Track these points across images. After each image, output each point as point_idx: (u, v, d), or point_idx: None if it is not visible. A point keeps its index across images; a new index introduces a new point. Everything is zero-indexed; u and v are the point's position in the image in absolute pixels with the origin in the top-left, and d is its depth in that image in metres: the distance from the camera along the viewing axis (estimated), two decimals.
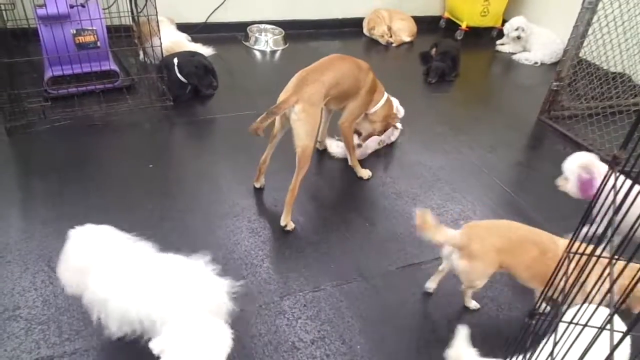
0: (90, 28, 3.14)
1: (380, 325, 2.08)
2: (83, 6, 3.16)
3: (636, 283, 0.86)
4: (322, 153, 3.20)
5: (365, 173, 2.97)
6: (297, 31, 4.92)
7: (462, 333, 1.58)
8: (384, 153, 3.23)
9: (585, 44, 3.54)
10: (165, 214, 2.51)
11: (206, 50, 4.11)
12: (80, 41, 3.15)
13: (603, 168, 2.41)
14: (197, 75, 3.46)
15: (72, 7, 3.09)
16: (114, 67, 3.41)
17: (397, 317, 2.14)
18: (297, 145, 2.41)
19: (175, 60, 3.46)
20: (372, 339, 2.01)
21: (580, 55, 3.62)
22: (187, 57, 3.50)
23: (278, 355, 1.90)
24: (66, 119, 3.11)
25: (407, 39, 5.18)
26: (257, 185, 2.76)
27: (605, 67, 3.80)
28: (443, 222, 2.72)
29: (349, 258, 2.40)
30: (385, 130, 3.07)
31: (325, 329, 2.03)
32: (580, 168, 2.42)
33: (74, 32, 3.11)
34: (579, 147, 3.48)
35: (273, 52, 4.63)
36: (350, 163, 2.97)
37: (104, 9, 3.45)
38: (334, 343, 1.97)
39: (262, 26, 4.81)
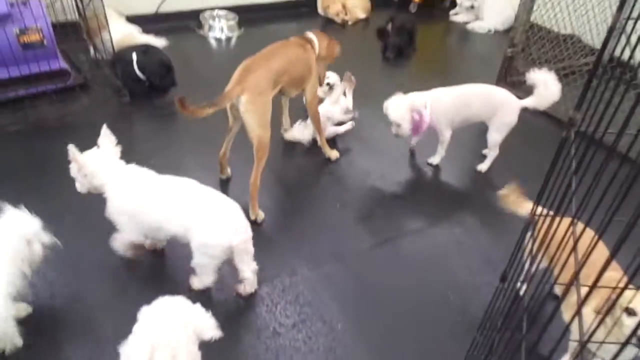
0: (35, 26, 3.01)
1: (358, 303, 2.11)
2: (25, 4, 3.02)
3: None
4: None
5: (333, 154, 2.97)
6: (251, 15, 4.84)
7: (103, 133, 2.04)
8: (349, 133, 3.23)
9: (535, 8, 3.60)
10: None
11: (159, 42, 3.98)
12: (25, 41, 3.01)
13: (421, 101, 2.74)
14: (160, 74, 3.37)
15: (12, 5, 2.95)
16: (64, 65, 3.28)
17: (374, 293, 2.17)
18: (251, 137, 2.37)
19: (134, 56, 3.34)
20: (351, 316, 2.04)
21: (532, 20, 3.68)
22: (147, 55, 3.38)
23: (260, 342, 1.91)
24: (17, 124, 2.99)
25: (362, 15, 5.16)
26: (224, 177, 2.73)
27: (555, 30, 3.89)
28: (412, 195, 2.78)
29: (323, 240, 2.42)
30: (332, 57, 2.93)
31: (305, 312, 2.04)
32: (410, 111, 2.72)
33: (18, 31, 2.97)
34: (535, 110, 3.57)
35: (228, 39, 4.54)
36: (319, 143, 2.96)
37: (47, 6, 3.30)
38: (315, 324, 1.99)
39: (215, 12, 4.70)
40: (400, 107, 2.73)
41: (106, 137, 2.05)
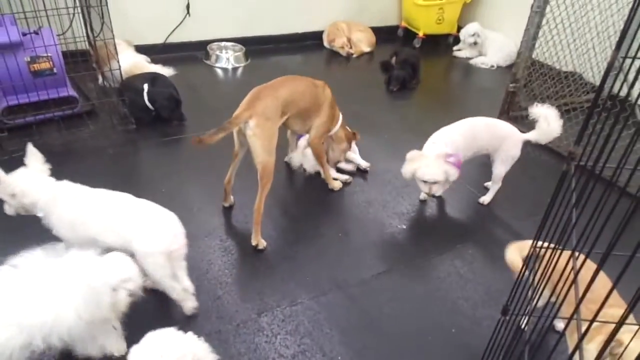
0: (45, 55, 3.07)
1: (359, 334, 2.08)
2: (36, 33, 3.10)
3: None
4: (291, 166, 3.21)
5: (336, 184, 2.99)
6: (257, 47, 4.94)
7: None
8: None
9: (537, 45, 3.67)
10: None
11: (167, 71, 4.08)
12: (36, 69, 3.08)
13: (441, 147, 2.65)
14: (169, 108, 3.44)
15: (24, 35, 3.02)
16: (72, 93, 3.34)
17: (376, 324, 2.15)
18: (256, 162, 2.40)
19: (146, 87, 3.40)
20: (352, 348, 2.01)
21: (533, 56, 3.75)
22: (157, 86, 3.45)
23: None
24: (24, 149, 3.01)
25: (367, 49, 5.27)
26: (226, 205, 2.74)
27: (557, 67, 3.95)
28: (413, 226, 2.78)
29: (325, 269, 2.41)
30: (350, 146, 3.10)
31: (305, 343, 2.02)
32: (443, 159, 2.61)
33: (29, 59, 3.04)
34: (537, 145, 3.60)
35: (235, 69, 4.63)
36: (322, 176, 2.99)
37: (58, 35, 3.38)
38: (315, 356, 1.97)
39: (222, 44, 4.81)
40: (434, 165, 2.60)
41: (33, 156, 2.07)
